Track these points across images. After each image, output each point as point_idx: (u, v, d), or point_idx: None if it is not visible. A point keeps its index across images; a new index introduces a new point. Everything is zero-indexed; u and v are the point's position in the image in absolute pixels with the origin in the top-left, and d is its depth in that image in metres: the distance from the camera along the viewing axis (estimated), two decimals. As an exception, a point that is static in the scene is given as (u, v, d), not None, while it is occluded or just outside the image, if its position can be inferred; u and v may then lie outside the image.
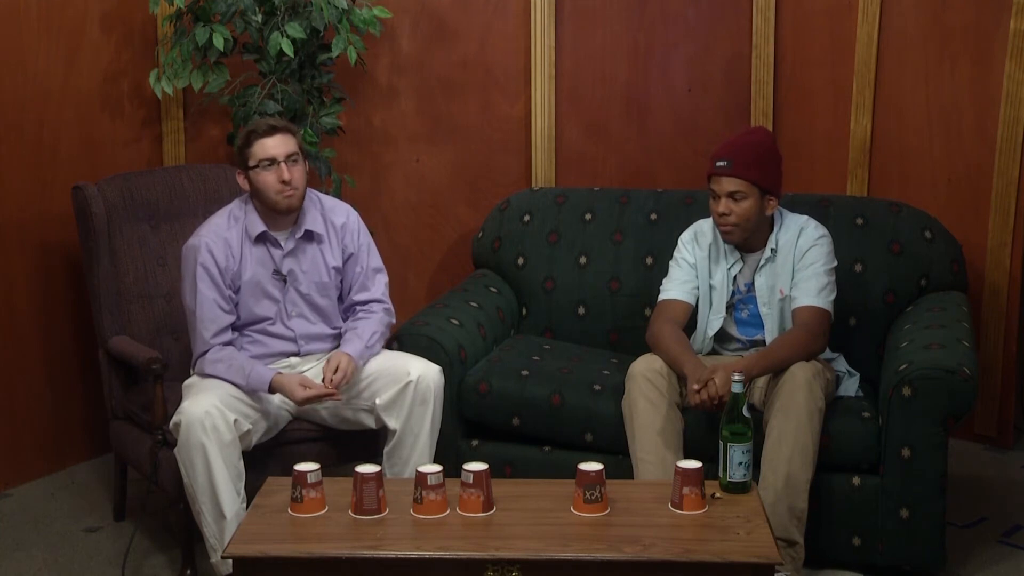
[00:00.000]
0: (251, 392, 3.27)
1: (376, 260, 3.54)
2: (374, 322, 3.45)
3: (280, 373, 3.29)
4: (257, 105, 3.97)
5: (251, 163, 3.31)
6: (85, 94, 4.09)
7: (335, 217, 3.47)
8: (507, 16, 4.46)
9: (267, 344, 3.41)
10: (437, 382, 3.35)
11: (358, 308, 3.50)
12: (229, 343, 3.34)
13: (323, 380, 3.27)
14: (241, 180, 3.36)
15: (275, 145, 3.30)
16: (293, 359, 3.44)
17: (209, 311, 3.32)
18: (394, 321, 3.55)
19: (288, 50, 3.88)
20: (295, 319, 3.43)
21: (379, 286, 3.52)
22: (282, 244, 3.39)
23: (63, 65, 4.01)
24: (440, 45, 4.48)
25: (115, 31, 4.15)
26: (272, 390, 3.26)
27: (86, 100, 4.10)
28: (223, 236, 3.35)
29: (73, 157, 4.06)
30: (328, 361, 3.32)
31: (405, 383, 3.30)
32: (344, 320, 3.52)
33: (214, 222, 3.39)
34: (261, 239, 3.37)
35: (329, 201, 3.51)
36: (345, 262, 3.49)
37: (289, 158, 3.30)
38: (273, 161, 3.29)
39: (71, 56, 4.03)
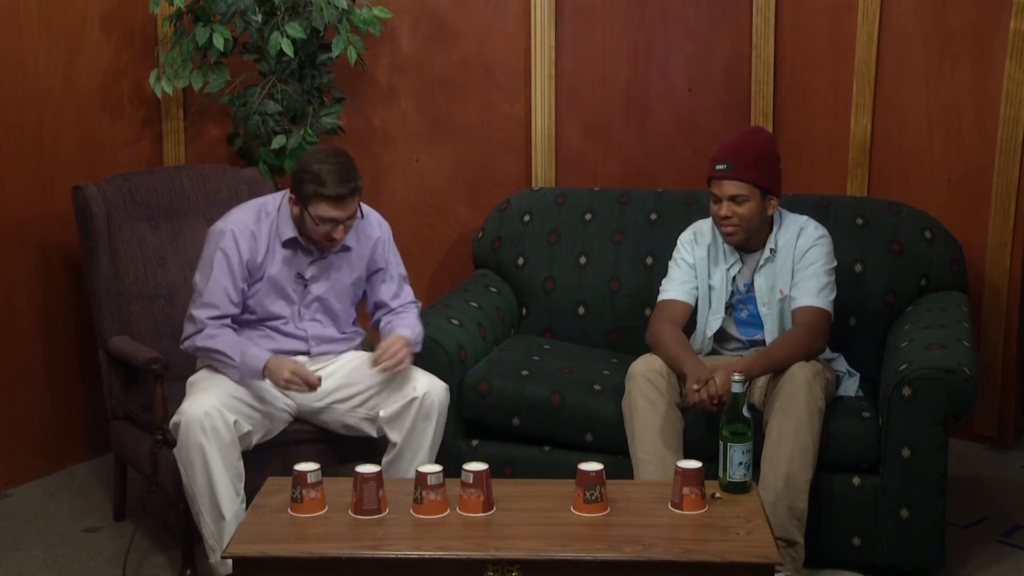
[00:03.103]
0: (243, 377, 3.26)
1: (403, 272, 3.55)
2: (414, 314, 3.50)
3: (274, 356, 3.28)
4: (257, 105, 3.97)
5: (310, 211, 3.23)
6: (85, 94, 4.09)
7: (368, 228, 3.44)
8: (507, 16, 4.46)
9: (279, 341, 3.40)
10: (442, 399, 3.34)
11: (396, 309, 3.51)
12: (214, 320, 3.32)
13: (378, 358, 3.28)
14: (292, 206, 3.28)
15: (339, 212, 3.22)
16: (302, 357, 3.42)
17: (217, 297, 3.29)
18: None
19: (288, 50, 3.88)
20: (307, 321, 3.42)
21: (409, 290, 3.55)
22: (312, 251, 3.36)
23: (63, 65, 4.01)
24: (440, 45, 4.48)
25: (115, 31, 4.15)
26: (264, 375, 3.26)
27: (86, 100, 4.10)
28: (250, 228, 3.32)
29: (73, 157, 4.06)
30: (384, 343, 3.32)
31: (411, 399, 3.30)
32: (372, 314, 3.55)
33: (243, 212, 3.36)
34: (291, 243, 3.35)
35: (363, 209, 3.45)
36: (372, 274, 3.48)
37: (348, 220, 3.26)
38: (332, 221, 3.24)
39: (71, 56, 4.03)
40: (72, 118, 4.06)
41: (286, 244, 3.34)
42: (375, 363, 3.29)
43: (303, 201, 3.24)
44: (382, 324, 3.49)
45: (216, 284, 3.29)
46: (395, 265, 3.53)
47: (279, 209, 3.35)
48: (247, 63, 4.07)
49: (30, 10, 3.91)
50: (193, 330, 3.32)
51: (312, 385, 3.23)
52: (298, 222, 3.30)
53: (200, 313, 3.30)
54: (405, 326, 3.42)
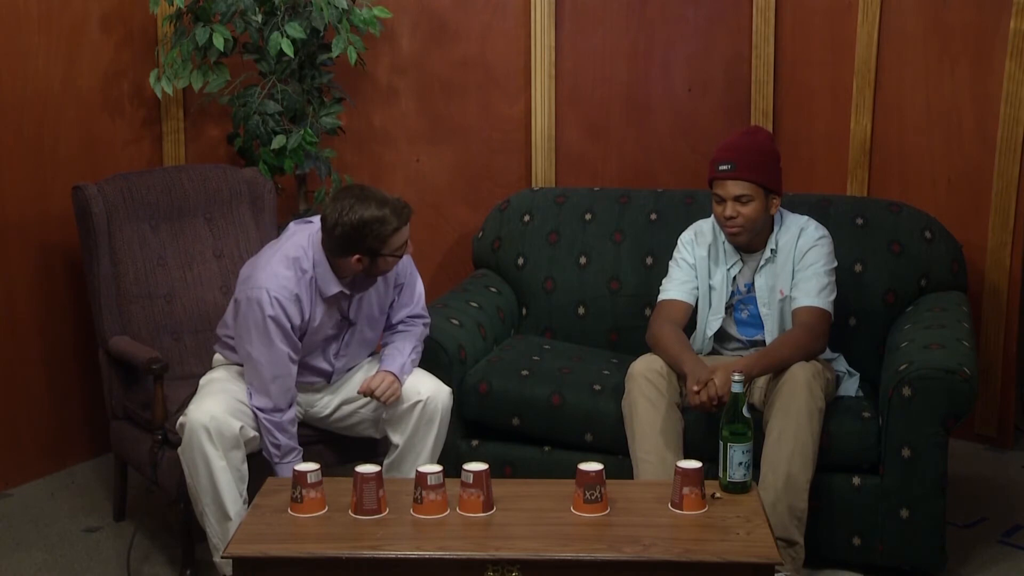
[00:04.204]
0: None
1: (415, 273, 3.47)
2: (414, 336, 3.42)
3: None
4: (257, 105, 3.97)
5: (384, 252, 3.14)
6: (85, 94, 4.09)
7: None
8: (507, 16, 4.46)
9: (304, 372, 3.34)
10: (446, 403, 3.34)
11: (400, 325, 3.45)
12: (291, 404, 3.25)
13: (362, 390, 3.26)
14: (358, 265, 3.15)
15: (408, 231, 3.17)
16: (320, 383, 3.40)
17: (283, 367, 3.19)
18: (428, 331, 3.51)
19: (288, 50, 3.88)
20: (340, 358, 3.37)
21: (419, 296, 3.48)
22: (352, 294, 3.29)
23: (63, 65, 4.01)
24: (440, 45, 4.48)
25: (115, 31, 4.15)
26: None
27: (86, 100, 4.10)
28: (294, 292, 3.17)
29: (73, 157, 4.06)
30: (372, 378, 3.26)
31: (414, 401, 3.29)
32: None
33: (280, 275, 3.17)
34: (335, 296, 3.25)
35: None
36: (395, 289, 3.42)
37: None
38: (406, 242, 3.18)
39: (71, 56, 4.03)
40: (72, 118, 4.06)
41: (329, 298, 3.25)
42: (365, 393, 3.26)
43: (374, 252, 3.12)
44: (382, 342, 3.45)
45: (280, 354, 3.18)
46: (409, 272, 3.44)
47: (314, 264, 3.21)
48: (247, 63, 4.07)
49: (30, 10, 3.91)
50: (269, 406, 3.20)
51: None
52: (368, 271, 3.19)
53: (276, 393, 3.19)
54: (397, 351, 3.35)
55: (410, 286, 3.45)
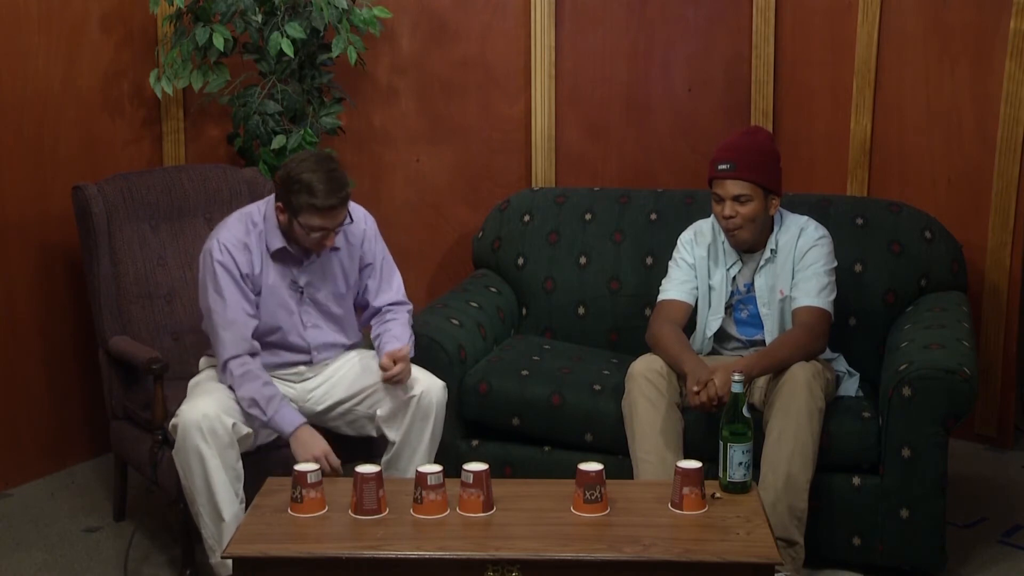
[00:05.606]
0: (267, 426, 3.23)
1: (390, 261, 3.49)
2: (404, 321, 3.44)
3: (306, 425, 3.20)
4: (257, 105, 3.97)
5: (300, 221, 3.16)
6: (85, 94, 4.09)
7: (354, 226, 3.36)
8: (507, 16, 4.46)
9: (280, 355, 3.36)
10: (440, 398, 3.33)
11: (384, 310, 3.47)
12: (253, 354, 3.25)
13: (384, 364, 3.27)
14: (280, 214, 3.21)
15: (330, 222, 3.16)
16: (303, 367, 3.41)
17: (236, 312, 3.21)
18: (411, 318, 3.53)
19: (288, 50, 3.88)
20: (310, 329, 3.38)
21: (398, 286, 3.49)
22: (303, 257, 3.31)
23: (63, 65, 4.01)
24: (440, 45, 4.48)
25: (115, 31, 4.15)
26: (287, 441, 3.20)
27: (86, 100, 4.10)
28: (243, 241, 3.24)
29: (73, 157, 4.06)
30: (386, 355, 3.27)
31: (408, 397, 3.30)
32: (368, 322, 3.50)
33: (232, 226, 3.27)
34: (280, 253, 3.29)
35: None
36: (361, 270, 3.44)
37: (338, 226, 3.21)
38: (323, 230, 3.19)
39: (71, 56, 4.03)
40: (72, 118, 4.06)
41: (275, 255, 3.29)
42: (385, 379, 3.26)
43: (292, 212, 3.16)
44: (372, 333, 3.45)
45: (233, 301, 3.21)
46: (380, 257, 3.46)
47: (265, 219, 3.28)
48: (247, 63, 4.07)
49: (30, 10, 3.91)
50: (230, 354, 3.21)
51: (336, 472, 3.17)
52: (286, 230, 3.24)
53: (227, 339, 3.20)
54: (395, 338, 3.37)
55: (386, 271, 3.46)
